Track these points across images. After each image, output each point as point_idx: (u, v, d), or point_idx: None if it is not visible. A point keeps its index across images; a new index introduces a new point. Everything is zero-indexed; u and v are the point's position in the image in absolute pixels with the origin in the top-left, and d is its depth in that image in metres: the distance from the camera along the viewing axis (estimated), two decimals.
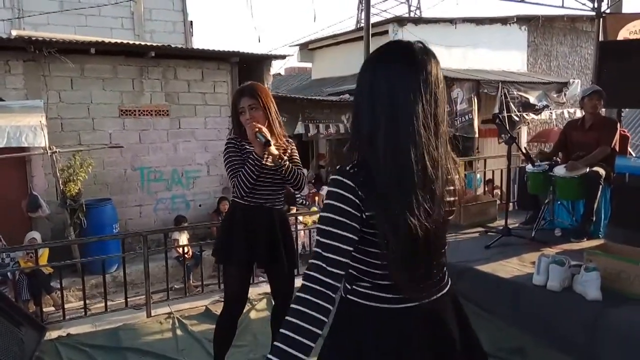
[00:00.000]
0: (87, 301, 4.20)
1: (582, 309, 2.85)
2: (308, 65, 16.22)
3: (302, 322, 1.11)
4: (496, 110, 9.71)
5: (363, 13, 6.78)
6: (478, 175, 7.34)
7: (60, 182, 6.75)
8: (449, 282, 1.35)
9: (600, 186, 4.05)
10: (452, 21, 11.69)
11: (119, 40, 7.96)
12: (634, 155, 5.57)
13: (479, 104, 10.25)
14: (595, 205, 4.09)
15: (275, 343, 1.12)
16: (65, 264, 4.90)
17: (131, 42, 8.37)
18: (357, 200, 1.15)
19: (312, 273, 1.14)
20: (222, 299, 2.84)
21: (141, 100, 8.11)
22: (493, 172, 6.85)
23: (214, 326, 2.76)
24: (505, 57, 12.55)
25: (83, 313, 3.97)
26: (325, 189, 7.44)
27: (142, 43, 8.49)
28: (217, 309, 2.84)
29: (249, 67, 9.00)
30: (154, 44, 8.45)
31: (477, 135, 10.32)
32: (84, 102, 7.67)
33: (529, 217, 4.66)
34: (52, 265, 5.56)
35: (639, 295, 2.84)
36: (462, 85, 10.16)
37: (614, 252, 3.21)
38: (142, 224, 7.97)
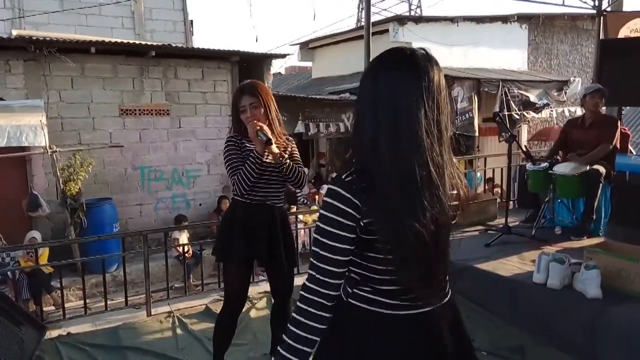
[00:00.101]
0: (87, 300, 4.20)
1: (582, 307, 2.85)
2: (308, 64, 16.22)
3: (301, 332, 1.20)
4: (497, 109, 9.70)
5: (363, 12, 6.77)
6: (478, 174, 7.33)
7: (61, 181, 6.75)
8: (450, 291, 1.35)
9: (601, 184, 4.04)
10: (452, 20, 11.68)
11: (119, 40, 7.97)
12: (634, 153, 5.57)
13: (479, 102, 10.25)
14: (596, 204, 4.09)
15: (278, 348, 1.22)
16: (66, 263, 4.91)
17: (131, 41, 8.38)
18: (352, 211, 1.17)
19: (308, 284, 1.21)
20: (222, 298, 2.84)
21: (141, 100, 8.11)
22: (493, 170, 6.84)
23: (214, 325, 2.76)
24: (506, 55, 12.53)
25: (83, 312, 3.96)
26: (325, 188, 7.43)
27: (143, 42, 8.49)
28: (217, 308, 2.84)
29: (249, 66, 9.00)
30: (155, 44, 8.45)
31: (477, 133, 10.31)
32: (84, 102, 7.67)
33: (529, 215, 4.65)
34: (52, 265, 5.57)
35: (639, 293, 2.84)
36: (462, 83, 10.16)
37: (614, 250, 3.20)
38: (142, 223, 7.98)
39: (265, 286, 3.71)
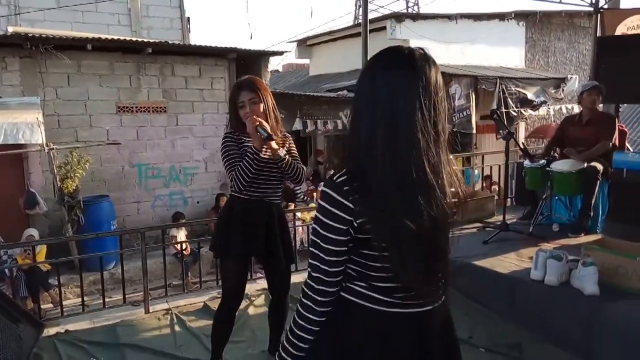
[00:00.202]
0: (85, 298, 4.19)
1: (579, 303, 2.86)
2: (306, 61, 16.19)
3: (297, 330, 1.28)
4: (494, 106, 9.70)
5: (361, 9, 6.76)
6: (476, 171, 7.34)
7: (58, 179, 6.73)
8: (444, 295, 1.34)
9: (598, 181, 4.06)
10: (450, 17, 11.67)
11: (115, 37, 7.96)
12: (631, 150, 5.58)
13: (476, 99, 10.25)
14: (593, 201, 4.10)
15: (282, 340, 1.32)
16: (63, 261, 4.89)
17: (128, 38, 8.35)
18: (343, 214, 1.18)
19: (307, 280, 1.26)
20: (220, 295, 2.84)
21: (138, 97, 8.08)
22: (491, 167, 6.86)
23: (212, 322, 2.76)
24: (503, 53, 12.53)
25: (81, 310, 3.96)
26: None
27: (139, 39, 8.46)
28: (215, 305, 2.84)
29: (246, 64, 8.98)
30: (151, 40, 8.42)
31: (475, 131, 10.31)
32: (81, 99, 7.64)
33: (526, 212, 4.67)
34: (50, 262, 5.56)
35: (636, 289, 2.86)
36: (460, 81, 10.15)
37: (611, 247, 3.21)
38: (140, 221, 7.96)
39: (263, 283, 3.71)
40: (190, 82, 8.49)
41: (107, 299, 4.15)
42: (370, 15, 7.16)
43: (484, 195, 5.33)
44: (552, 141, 4.81)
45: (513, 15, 12.47)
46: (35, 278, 6.00)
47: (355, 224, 1.19)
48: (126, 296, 4.14)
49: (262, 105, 2.53)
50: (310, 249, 1.25)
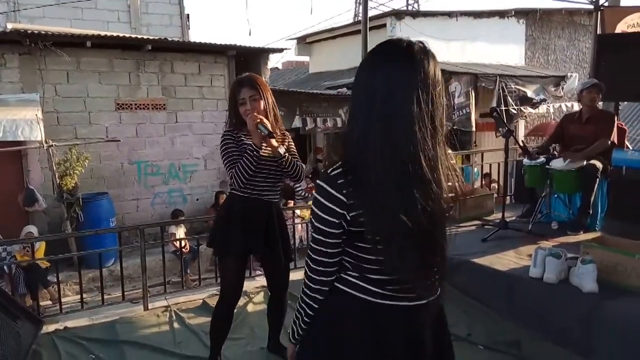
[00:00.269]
0: (84, 295, 4.19)
1: (578, 301, 2.86)
2: (305, 59, 16.17)
3: (300, 312, 1.36)
4: (494, 104, 9.69)
5: (361, 6, 6.75)
6: (475, 169, 7.34)
7: (57, 176, 6.72)
8: (439, 290, 1.34)
9: (597, 179, 4.05)
10: (450, 14, 11.65)
11: (115, 34, 7.92)
12: (631, 148, 5.58)
13: (476, 97, 10.24)
14: (592, 198, 4.10)
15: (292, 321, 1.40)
16: (62, 258, 4.89)
17: (127, 35, 8.33)
18: (335, 208, 1.20)
19: (306, 268, 1.31)
20: (219, 292, 2.84)
21: (138, 94, 8.07)
22: (490, 165, 6.85)
23: (210, 319, 2.76)
24: (503, 50, 12.52)
25: (80, 307, 3.95)
26: None
27: (139, 36, 8.45)
28: (214, 302, 2.83)
29: (246, 61, 8.96)
30: (151, 37, 8.40)
31: (474, 129, 10.30)
32: (80, 96, 7.63)
33: (525, 210, 4.67)
34: (49, 259, 5.55)
35: (635, 287, 2.86)
36: (459, 78, 10.14)
37: (610, 244, 3.21)
38: (139, 218, 7.96)
39: (262, 281, 3.71)
40: (189, 79, 8.47)
41: (106, 296, 4.14)
42: (370, 13, 7.14)
43: (483, 193, 5.33)
44: (551, 138, 4.81)
45: (513, 13, 12.46)
46: (34, 275, 6.00)
47: (349, 217, 1.20)
48: (125, 293, 4.13)
49: (262, 103, 2.52)
50: (310, 242, 1.30)
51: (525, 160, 4.36)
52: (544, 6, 12.48)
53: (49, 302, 6.16)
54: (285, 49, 12.33)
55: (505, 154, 4.39)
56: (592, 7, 6.56)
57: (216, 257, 3.19)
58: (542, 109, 11.41)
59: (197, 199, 8.73)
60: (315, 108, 9.72)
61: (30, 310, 3.77)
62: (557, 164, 4.16)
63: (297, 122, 9.46)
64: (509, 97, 10.33)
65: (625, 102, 10.26)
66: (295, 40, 14.94)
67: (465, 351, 2.85)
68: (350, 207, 1.19)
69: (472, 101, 10.11)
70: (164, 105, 8.30)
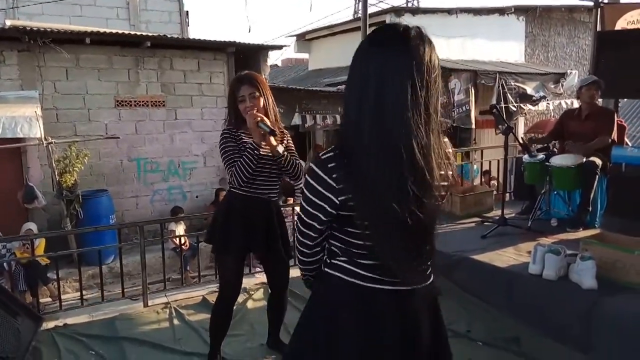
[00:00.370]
0: (84, 292, 4.19)
1: (577, 297, 2.86)
2: (305, 56, 16.15)
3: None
4: (494, 101, 9.69)
5: (360, 3, 6.73)
6: (475, 166, 7.34)
7: (56, 173, 6.72)
8: (432, 277, 1.33)
9: (597, 176, 4.05)
10: (449, 11, 11.63)
11: (114, 30, 7.92)
12: (630, 145, 5.57)
13: (476, 94, 10.23)
14: (592, 195, 4.10)
15: None
16: (62, 255, 4.89)
17: (127, 32, 8.31)
18: (325, 191, 1.21)
19: (296, 233, 1.36)
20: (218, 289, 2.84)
21: (137, 91, 8.06)
22: (490, 162, 6.85)
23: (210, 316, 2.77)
24: (503, 47, 12.51)
25: (80, 303, 3.95)
26: None
27: (138, 33, 8.43)
28: (214, 299, 2.84)
29: (245, 58, 8.95)
30: (150, 34, 8.38)
31: (474, 126, 10.30)
32: (80, 93, 7.62)
33: (525, 207, 4.67)
34: (49, 256, 5.55)
35: (634, 284, 2.86)
36: (459, 76, 10.13)
37: (609, 241, 3.21)
38: (138, 215, 7.95)
39: (262, 278, 3.71)
40: (189, 76, 8.46)
41: (105, 293, 4.14)
42: (370, 10, 7.13)
43: (483, 190, 5.32)
44: (550, 134, 4.80)
45: (513, 10, 12.44)
46: (34, 272, 6.00)
47: (337, 201, 1.20)
48: (125, 290, 4.13)
49: (262, 100, 2.52)
50: (297, 223, 1.35)
51: (525, 157, 4.36)
52: (544, 3, 12.51)
53: (49, 300, 6.17)
54: (285, 46, 12.33)
55: (504, 151, 4.39)
56: (591, 3, 6.54)
57: (215, 254, 3.19)
58: (542, 106, 11.42)
59: (197, 196, 8.73)
60: (315, 105, 9.72)
61: (30, 307, 3.78)
62: (557, 160, 4.16)
63: (296, 120, 9.45)
64: (508, 94, 10.33)
65: (625, 99, 10.25)
66: (295, 37, 14.92)
67: (465, 347, 2.86)
68: (339, 191, 1.19)
69: (472, 98, 10.11)
70: (163, 102, 8.29)
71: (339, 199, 1.20)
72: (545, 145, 5.00)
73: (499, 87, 10.24)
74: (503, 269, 3.37)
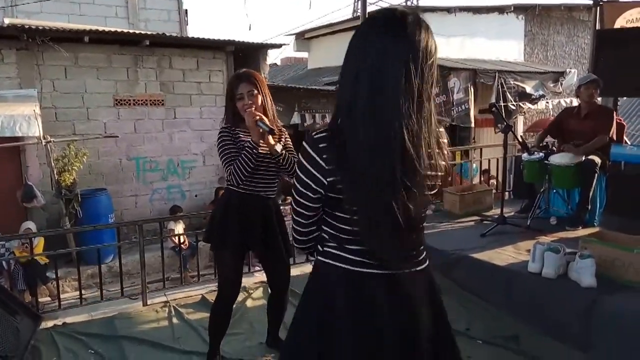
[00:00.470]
0: (83, 291, 4.19)
1: (576, 296, 2.87)
2: (304, 55, 16.13)
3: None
4: (493, 100, 9.69)
5: (359, 2, 6.72)
6: (474, 165, 7.33)
7: (55, 172, 6.71)
8: (426, 262, 1.33)
9: (596, 174, 4.06)
10: (449, 10, 11.63)
11: (113, 29, 7.90)
12: (629, 143, 5.58)
13: (475, 93, 10.23)
14: (591, 194, 4.10)
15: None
16: (61, 254, 4.89)
17: (125, 30, 8.30)
18: (314, 171, 1.21)
19: (292, 212, 1.35)
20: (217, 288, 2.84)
21: (136, 90, 8.05)
22: (489, 161, 6.85)
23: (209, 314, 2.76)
24: (502, 46, 12.51)
25: (79, 302, 3.95)
26: None
27: (137, 32, 8.41)
28: (213, 298, 2.84)
29: (245, 56, 8.93)
30: (149, 33, 8.37)
31: (473, 124, 10.31)
32: (78, 92, 7.60)
33: (524, 205, 4.67)
34: (48, 255, 5.55)
35: (633, 282, 2.86)
36: (458, 74, 10.13)
37: (608, 239, 3.22)
38: (137, 214, 7.94)
39: (261, 276, 3.71)
40: (188, 74, 8.45)
41: (105, 292, 4.14)
42: (369, 8, 7.10)
43: (482, 188, 5.33)
44: (546, 130, 4.78)
45: (512, 9, 12.44)
46: (33, 271, 5.99)
47: (325, 182, 1.20)
48: (124, 289, 4.13)
49: (260, 98, 2.51)
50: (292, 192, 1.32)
51: (524, 156, 4.36)
52: (543, 2, 12.46)
53: (48, 299, 6.16)
54: (284, 44, 12.32)
55: (504, 150, 4.39)
56: (591, 2, 6.53)
57: (213, 252, 3.19)
58: (541, 104, 11.42)
59: (196, 195, 8.72)
60: (314, 104, 9.71)
61: (29, 306, 3.78)
62: (556, 159, 4.16)
63: (296, 118, 9.45)
64: (507, 93, 10.33)
65: (624, 98, 10.25)
66: (294, 36, 14.90)
67: (464, 346, 2.84)
68: (329, 172, 1.19)
69: (471, 97, 10.11)
70: (162, 101, 8.28)
71: (328, 179, 1.20)
72: (545, 143, 5.00)
73: (498, 85, 10.24)
74: (502, 267, 3.37)
